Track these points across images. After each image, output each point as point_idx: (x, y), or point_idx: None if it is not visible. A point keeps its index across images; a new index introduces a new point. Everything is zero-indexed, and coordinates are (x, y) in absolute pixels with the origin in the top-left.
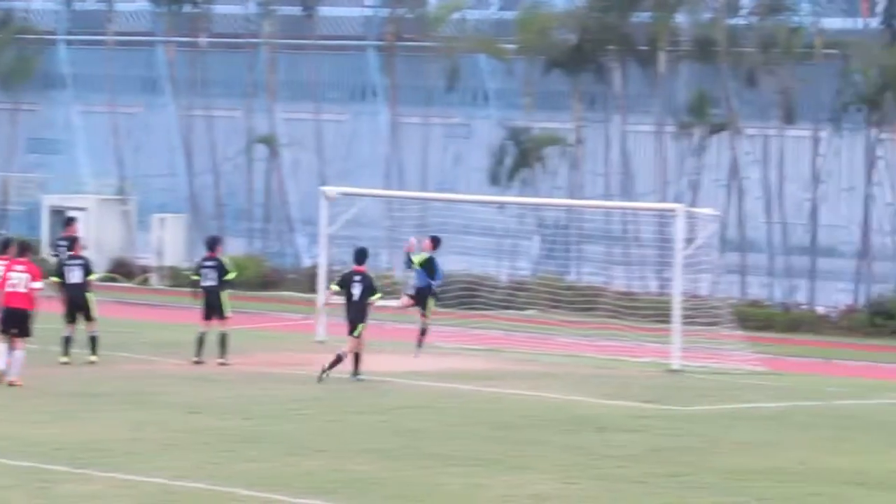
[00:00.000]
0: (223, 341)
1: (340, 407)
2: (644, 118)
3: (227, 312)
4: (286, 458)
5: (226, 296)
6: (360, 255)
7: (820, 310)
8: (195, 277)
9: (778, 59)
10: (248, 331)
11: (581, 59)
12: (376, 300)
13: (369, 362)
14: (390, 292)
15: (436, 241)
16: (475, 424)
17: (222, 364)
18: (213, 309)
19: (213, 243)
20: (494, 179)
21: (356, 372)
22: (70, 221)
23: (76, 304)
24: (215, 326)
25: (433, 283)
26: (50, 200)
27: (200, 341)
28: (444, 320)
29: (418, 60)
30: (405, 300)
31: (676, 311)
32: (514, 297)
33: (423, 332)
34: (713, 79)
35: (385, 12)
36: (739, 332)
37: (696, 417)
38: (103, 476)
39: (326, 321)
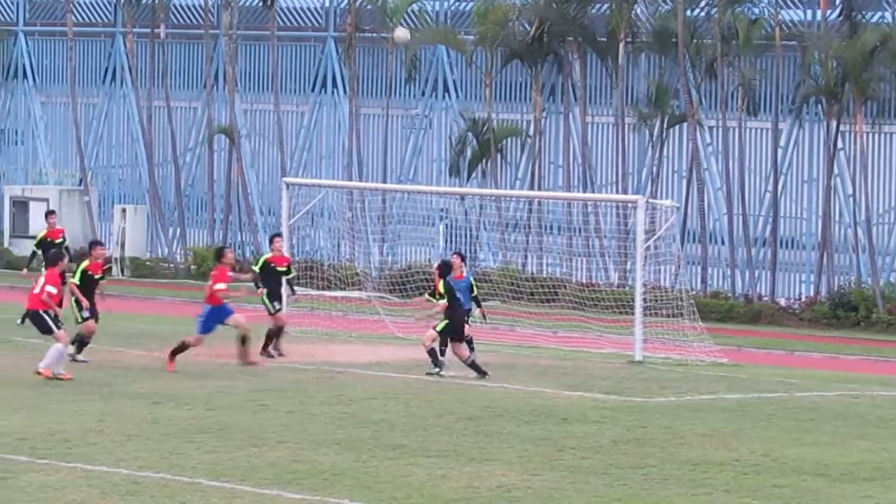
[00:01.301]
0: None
1: (304, 398)
2: (604, 109)
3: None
4: (249, 449)
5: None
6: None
7: (781, 301)
8: None
9: (737, 50)
10: None
11: (540, 50)
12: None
13: (334, 353)
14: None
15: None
16: (439, 416)
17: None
18: None
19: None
20: (455, 171)
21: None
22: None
23: None
24: None
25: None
26: (11, 191)
27: None
28: (406, 311)
29: (378, 51)
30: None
31: (638, 303)
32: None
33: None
34: (673, 70)
35: (344, 3)
36: (701, 324)
37: (659, 409)
38: (66, 467)
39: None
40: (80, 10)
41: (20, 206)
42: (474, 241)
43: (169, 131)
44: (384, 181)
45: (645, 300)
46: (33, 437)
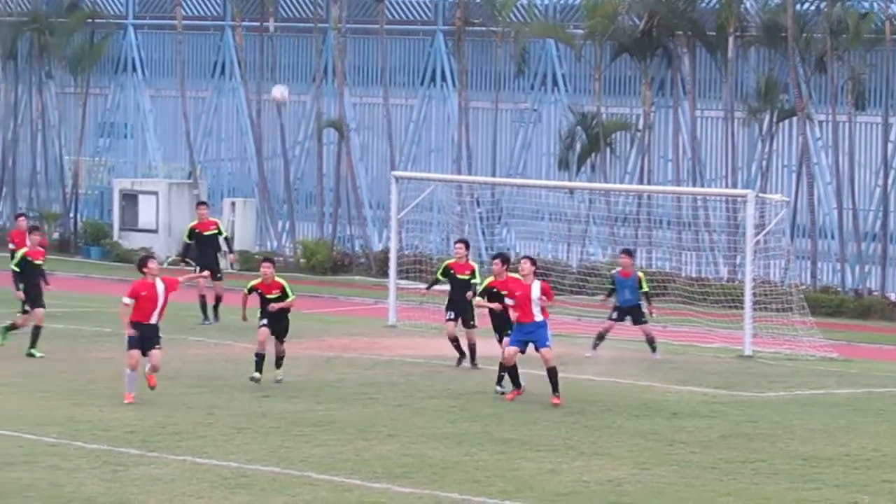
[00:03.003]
0: None
1: (413, 392)
2: (713, 104)
3: None
4: (358, 443)
5: None
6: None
7: (892, 296)
8: None
9: (847, 44)
10: (320, 315)
11: (650, 44)
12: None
13: (443, 347)
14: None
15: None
16: (548, 410)
17: None
18: None
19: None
20: (564, 164)
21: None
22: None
23: None
24: None
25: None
26: (121, 184)
27: None
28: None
29: (487, 45)
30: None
31: (748, 297)
32: (584, 282)
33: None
34: (782, 64)
35: None
36: (811, 319)
37: (769, 404)
38: (176, 459)
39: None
40: (188, 3)
41: (129, 199)
42: (583, 235)
43: (278, 125)
44: (493, 175)
45: (755, 295)
46: (143, 430)
